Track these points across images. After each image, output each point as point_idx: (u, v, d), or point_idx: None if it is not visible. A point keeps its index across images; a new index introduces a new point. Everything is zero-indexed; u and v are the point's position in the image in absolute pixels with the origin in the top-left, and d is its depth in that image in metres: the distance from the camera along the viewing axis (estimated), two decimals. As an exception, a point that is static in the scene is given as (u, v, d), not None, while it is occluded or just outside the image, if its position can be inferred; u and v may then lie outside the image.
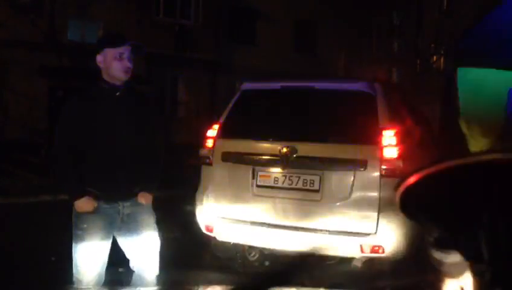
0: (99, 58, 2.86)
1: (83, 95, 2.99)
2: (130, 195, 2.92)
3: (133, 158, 2.88)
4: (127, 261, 3.04)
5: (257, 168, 4.32)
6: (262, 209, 4.25)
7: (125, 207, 2.90)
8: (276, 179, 4.25)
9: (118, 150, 2.84)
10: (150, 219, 2.99)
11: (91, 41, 17.23)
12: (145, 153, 2.94)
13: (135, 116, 2.93)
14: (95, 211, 2.83)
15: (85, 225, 2.83)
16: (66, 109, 2.92)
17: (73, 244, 2.86)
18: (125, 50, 2.85)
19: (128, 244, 2.96)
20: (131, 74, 2.89)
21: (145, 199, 2.96)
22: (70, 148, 2.82)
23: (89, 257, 2.85)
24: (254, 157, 4.37)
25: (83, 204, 2.81)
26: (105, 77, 2.88)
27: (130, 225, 2.92)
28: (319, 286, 2.39)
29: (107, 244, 2.90)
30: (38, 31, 15.37)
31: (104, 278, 2.89)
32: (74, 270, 2.86)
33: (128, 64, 2.85)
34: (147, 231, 2.96)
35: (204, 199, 4.49)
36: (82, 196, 2.81)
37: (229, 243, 4.58)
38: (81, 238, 2.83)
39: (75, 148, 2.82)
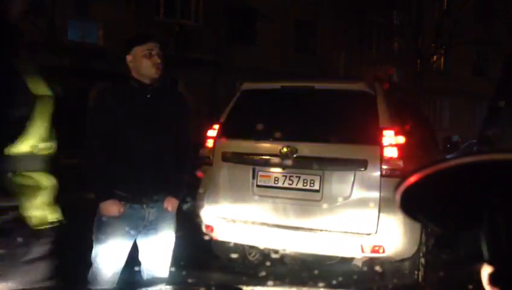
0: (129, 58, 2.83)
1: (113, 91, 2.96)
2: (156, 199, 2.84)
3: (161, 160, 2.81)
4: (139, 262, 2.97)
5: (257, 168, 4.32)
6: (262, 209, 4.25)
7: (150, 213, 2.82)
8: (276, 179, 4.25)
9: (146, 151, 2.76)
10: (170, 227, 2.92)
11: (91, 41, 17.29)
12: (174, 156, 2.88)
13: (165, 117, 2.86)
14: (120, 216, 2.75)
15: (108, 229, 2.75)
16: (97, 104, 2.86)
17: (94, 248, 2.80)
18: (153, 46, 2.84)
19: (142, 248, 2.90)
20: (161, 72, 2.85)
21: (171, 205, 2.88)
22: (100, 146, 2.75)
23: (109, 261, 2.80)
24: (254, 157, 4.37)
25: (109, 207, 2.73)
26: (135, 75, 2.84)
27: (149, 231, 2.86)
28: (319, 286, 2.39)
29: (127, 249, 2.84)
30: (38, 31, 15.35)
31: (117, 279, 2.86)
32: (90, 272, 2.82)
33: (158, 61, 2.83)
34: (165, 238, 2.90)
35: (205, 198, 4.49)
36: (109, 199, 2.73)
37: (229, 243, 4.58)
38: (103, 243, 2.77)
39: (105, 147, 2.75)
